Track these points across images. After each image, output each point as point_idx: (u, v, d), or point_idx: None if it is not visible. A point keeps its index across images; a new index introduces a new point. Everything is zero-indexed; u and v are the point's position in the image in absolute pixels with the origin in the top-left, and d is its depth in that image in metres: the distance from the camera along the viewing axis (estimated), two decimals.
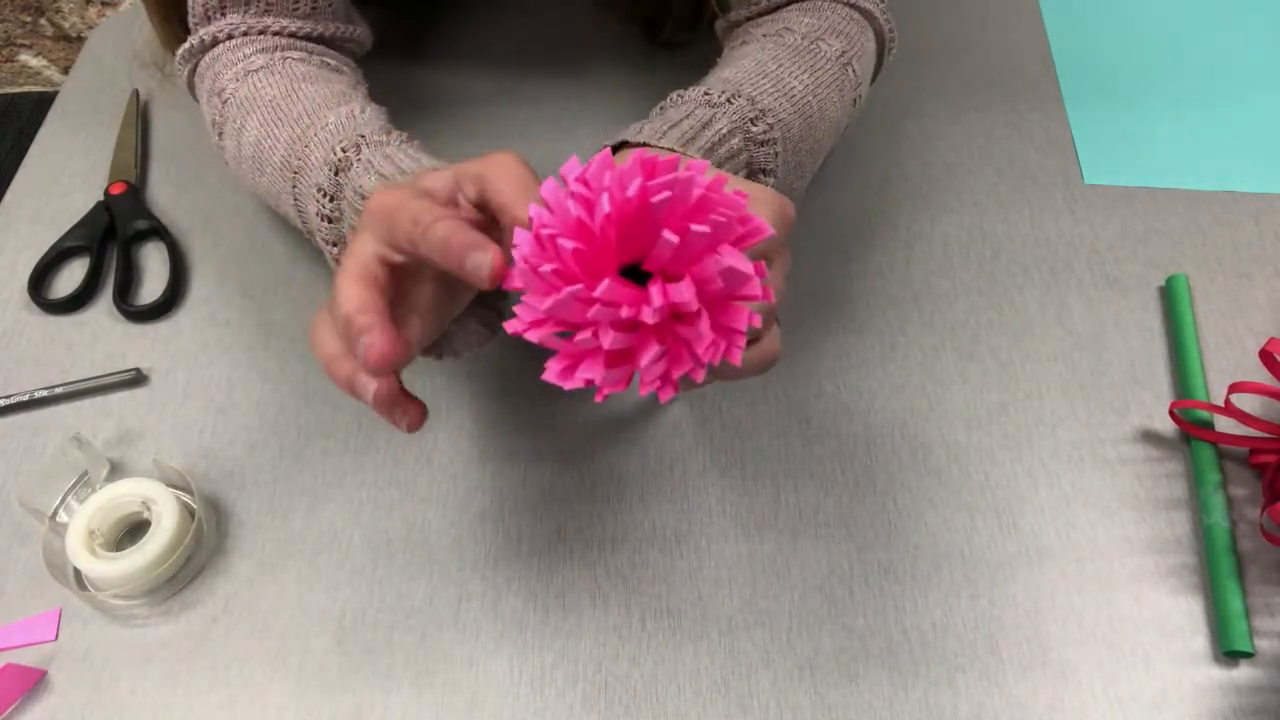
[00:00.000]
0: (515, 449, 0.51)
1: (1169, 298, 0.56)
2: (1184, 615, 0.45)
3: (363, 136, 0.46)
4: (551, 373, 0.32)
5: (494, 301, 0.45)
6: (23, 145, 0.72)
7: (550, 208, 0.31)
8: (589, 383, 0.31)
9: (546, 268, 0.30)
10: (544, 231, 0.30)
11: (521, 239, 0.31)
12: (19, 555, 0.49)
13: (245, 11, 0.54)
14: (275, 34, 0.54)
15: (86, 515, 0.47)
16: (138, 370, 0.54)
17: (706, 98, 0.47)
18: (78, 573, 0.47)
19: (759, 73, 0.49)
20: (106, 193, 0.63)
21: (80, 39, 1.59)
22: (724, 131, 0.45)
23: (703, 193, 0.30)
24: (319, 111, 0.48)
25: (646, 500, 0.49)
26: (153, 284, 0.59)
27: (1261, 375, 0.50)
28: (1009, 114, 0.67)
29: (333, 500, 0.50)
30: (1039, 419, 0.52)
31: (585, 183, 0.31)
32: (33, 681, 0.44)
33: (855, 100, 0.54)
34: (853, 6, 0.55)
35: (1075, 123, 0.66)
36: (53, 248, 0.60)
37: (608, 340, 0.30)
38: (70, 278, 0.60)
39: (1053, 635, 0.45)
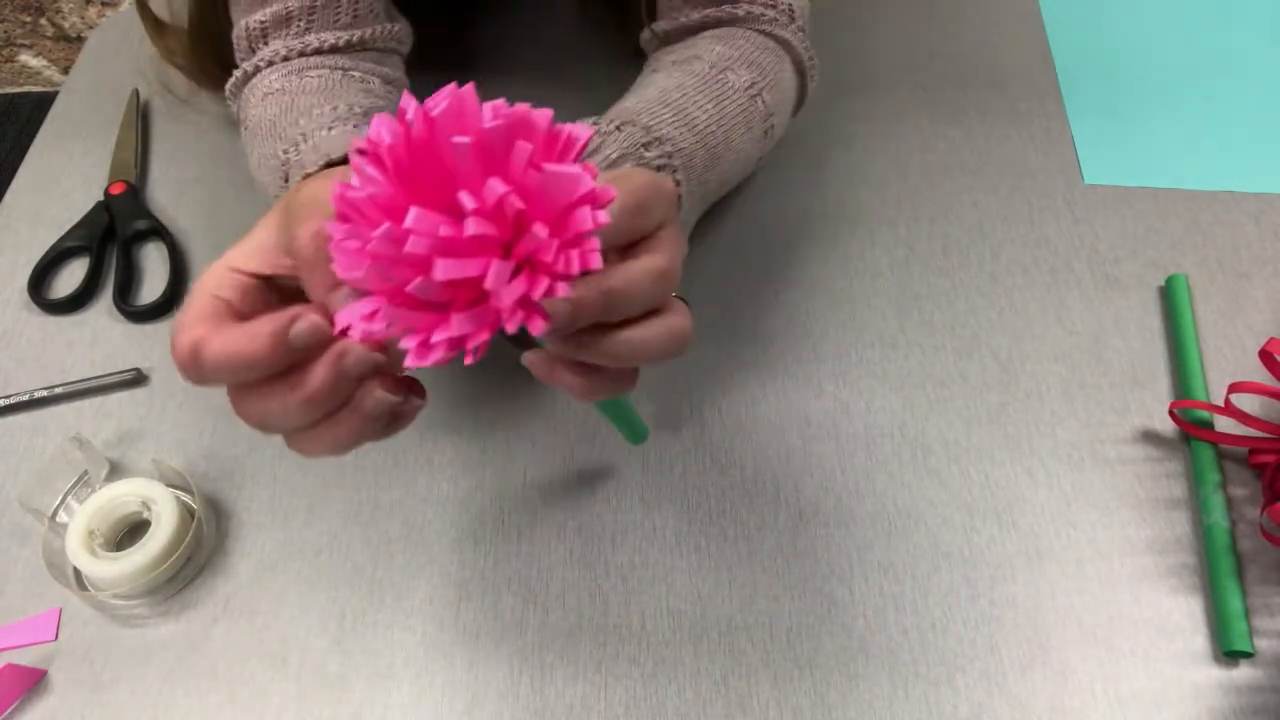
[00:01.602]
0: (515, 449, 0.51)
1: (1169, 298, 0.56)
2: (1184, 615, 0.45)
3: (305, 134, 0.45)
4: (410, 355, 0.28)
5: None
6: (23, 145, 0.72)
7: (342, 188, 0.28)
8: (452, 345, 0.27)
9: (350, 239, 0.27)
10: (341, 199, 0.28)
11: (330, 232, 0.28)
12: (19, 555, 0.49)
13: (287, 34, 0.53)
14: (316, 51, 0.53)
15: (86, 515, 0.47)
16: (138, 370, 0.54)
17: (595, 126, 0.46)
18: (78, 573, 0.47)
19: (660, 101, 0.48)
20: (106, 193, 0.63)
21: (80, 39, 1.59)
22: (613, 157, 0.44)
23: (502, 122, 0.27)
24: (299, 119, 0.48)
25: (646, 500, 0.49)
26: (153, 284, 0.59)
27: (1261, 375, 0.50)
28: (1009, 114, 0.67)
29: (333, 500, 0.50)
30: (1039, 419, 0.52)
31: (368, 140, 0.27)
32: (33, 681, 0.44)
33: (767, 132, 0.53)
34: (769, 35, 0.54)
35: (1075, 123, 0.66)
36: (53, 248, 0.60)
37: (441, 270, 0.26)
38: (70, 278, 0.60)
39: (1053, 635, 0.45)
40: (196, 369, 0.31)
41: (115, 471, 0.51)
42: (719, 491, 0.50)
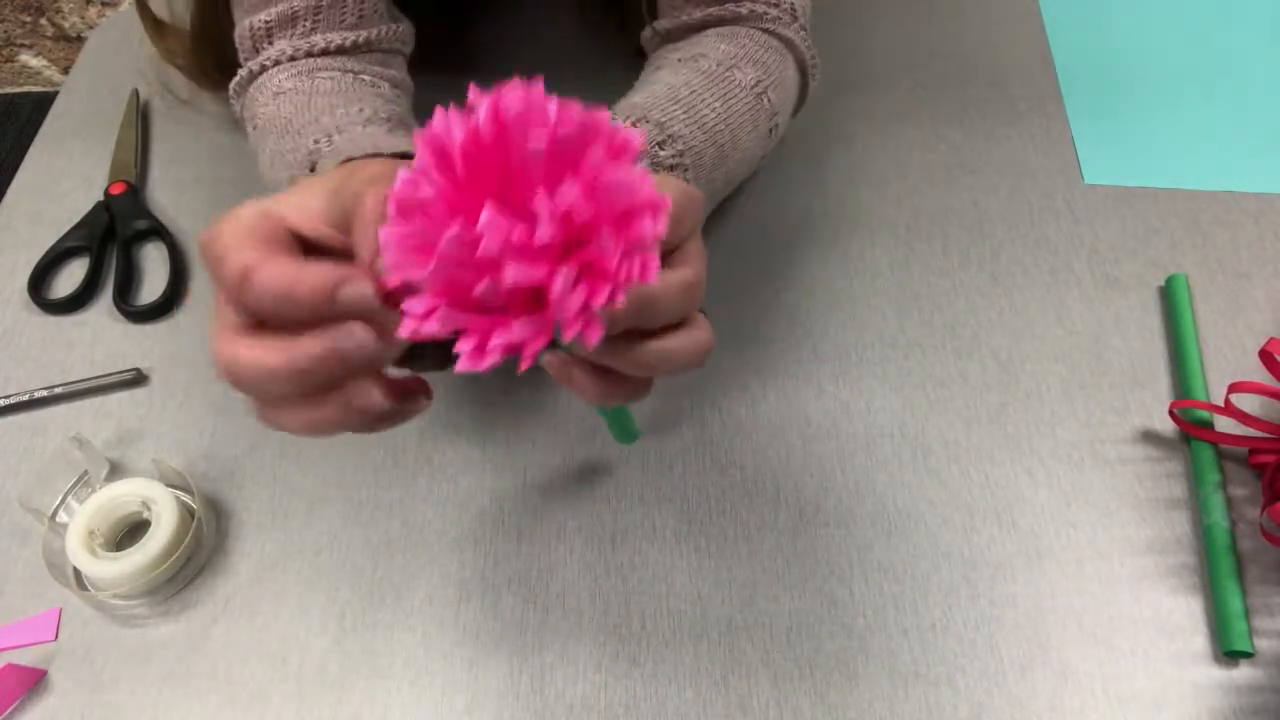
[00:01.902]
0: (515, 449, 0.51)
1: (1169, 298, 0.56)
2: (1184, 615, 0.45)
3: (338, 127, 0.45)
4: (465, 359, 0.27)
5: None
6: (23, 145, 0.72)
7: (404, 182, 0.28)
8: (509, 349, 0.27)
9: (414, 230, 0.26)
10: (403, 196, 0.27)
11: (385, 230, 0.27)
12: (19, 555, 0.49)
13: (292, 34, 0.53)
14: (323, 51, 0.53)
15: (86, 515, 0.47)
16: (138, 370, 0.54)
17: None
18: (78, 573, 0.47)
19: (670, 98, 0.47)
20: (106, 193, 0.63)
21: (80, 39, 1.59)
22: None
23: (577, 123, 0.26)
24: (320, 117, 0.48)
25: (646, 500, 0.49)
26: (153, 284, 0.59)
27: (1261, 375, 0.50)
28: (1009, 114, 0.67)
29: (333, 500, 0.50)
30: (1039, 419, 0.52)
31: (433, 136, 0.27)
32: (33, 681, 0.44)
33: (771, 130, 0.53)
34: (772, 34, 0.54)
35: (1075, 123, 0.66)
36: (53, 248, 0.60)
37: (512, 275, 0.25)
38: (70, 278, 0.60)
39: (1053, 635, 0.45)
40: (239, 292, 0.29)
41: (115, 471, 0.51)
42: (719, 491, 0.50)
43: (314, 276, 0.29)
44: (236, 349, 0.29)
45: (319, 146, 0.44)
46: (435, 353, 0.41)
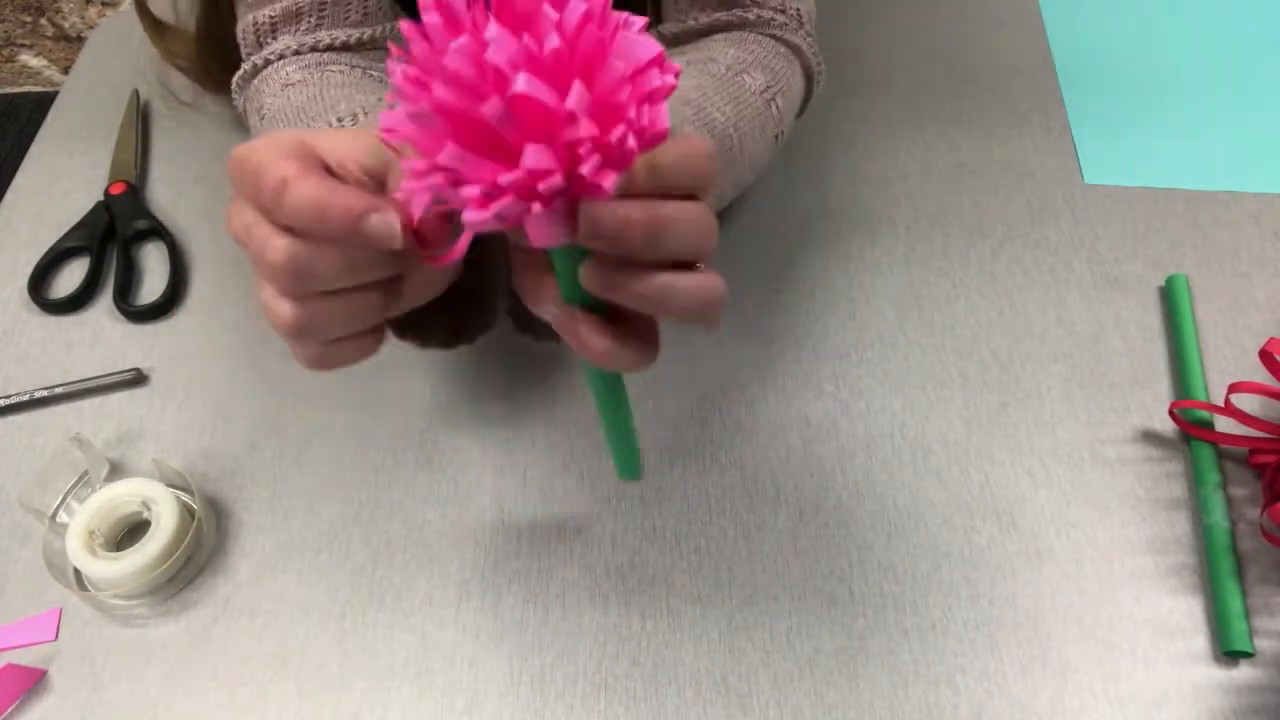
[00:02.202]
0: (515, 448, 0.51)
1: (1169, 298, 0.56)
2: (1184, 615, 0.45)
3: (363, 108, 0.45)
4: (473, 206, 0.25)
5: (466, 307, 0.42)
6: (23, 145, 0.72)
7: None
8: (521, 189, 0.25)
9: (420, 60, 0.25)
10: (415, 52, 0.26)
11: (393, 67, 0.26)
12: (19, 555, 0.49)
13: (296, 29, 0.53)
14: (327, 48, 0.53)
15: (86, 515, 0.47)
16: (138, 370, 0.54)
17: None
18: (78, 573, 0.47)
19: (680, 100, 0.47)
20: (106, 193, 0.63)
21: (80, 39, 1.59)
22: None
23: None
24: (336, 105, 0.48)
25: (646, 500, 0.49)
26: (153, 284, 0.59)
27: (1261, 375, 0.50)
28: (1009, 114, 0.67)
29: (333, 500, 0.50)
30: (1039, 419, 0.52)
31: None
32: (33, 681, 0.44)
33: (777, 137, 0.52)
34: (780, 40, 0.54)
35: (1075, 123, 0.66)
36: (53, 248, 0.60)
37: (522, 83, 0.24)
38: (70, 278, 0.60)
39: (1053, 635, 0.45)
40: (275, 201, 0.29)
41: (115, 471, 0.51)
42: (719, 491, 0.50)
43: (346, 197, 0.29)
44: (246, 216, 0.31)
45: (343, 125, 0.44)
46: (440, 329, 0.41)
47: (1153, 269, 0.58)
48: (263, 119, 0.51)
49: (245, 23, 0.53)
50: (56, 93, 0.72)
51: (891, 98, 0.68)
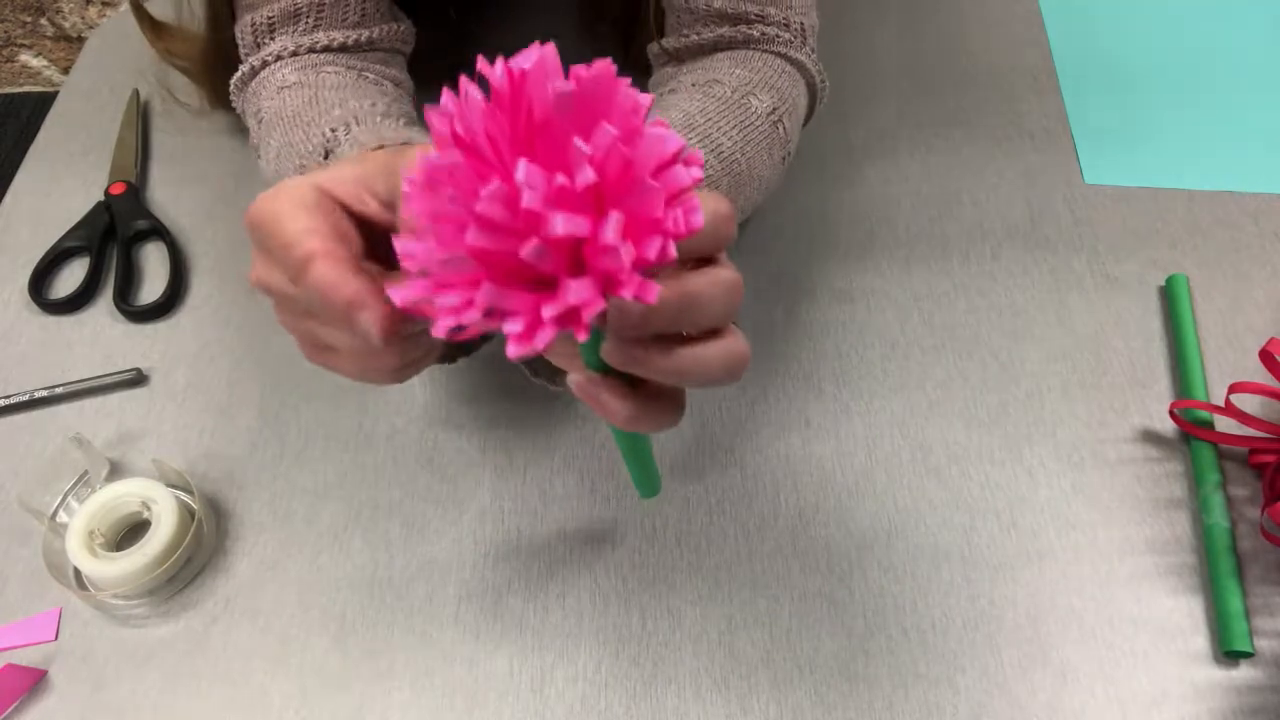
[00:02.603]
0: (515, 448, 0.51)
1: (1169, 298, 0.56)
2: (1184, 615, 0.45)
3: (355, 117, 0.45)
4: (514, 341, 0.25)
5: None
6: (23, 145, 0.72)
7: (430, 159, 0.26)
8: (563, 320, 0.25)
9: (445, 199, 0.25)
10: (430, 167, 0.25)
11: (415, 205, 0.26)
12: (19, 555, 0.49)
13: (294, 30, 0.53)
14: (325, 49, 0.53)
15: (86, 515, 0.47)
16: (138, 370, 0.54)
17: None
18: (78, 573, 0.47)
19: (685, 125, 0.47)
20: (106, 193, 0.63)
21: (80, 39, 1.59)
22: None
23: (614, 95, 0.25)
24: (331, 109, 0.48)
25: (646, 500, 0.49)
26: (153, 284, 0.59)
27: (1261, 375, 0.50)
28: (1009, 114, 0.67)
29: (333, 500, 0.50)
30: (1039, 419, 0.52)
31: (447, 108, 0.25)
32: (33, 681, 0.44)
33: (784, 158, 0.52)
34: (784, 58, 0.53)
35: (1075, 122, 0.66)
36: (53, 248, 0.60)
37: (560, 224, 0.23)
38: (70, 278, 0.60)
39: (1053, 635, 0.45)
40: (298, 277, 0.30)
41: (115, 471, 0.51)
42: (719, 491, 0.50)
43: (354, 291, 0.30)
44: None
45: (335, 135, 0.44)
46: (440, 345, 0.41)
47: (1153, 269, 0.58)
48: (260, 122, 0.51)
49: (244, 23, 0.53)
50: (56, 93, 0.72)
51: (891, 97, 0.68)
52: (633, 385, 0.30)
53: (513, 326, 0.25)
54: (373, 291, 0.30)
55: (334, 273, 0.30)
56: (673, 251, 0.25)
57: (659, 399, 0.31)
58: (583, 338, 0.25)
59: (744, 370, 0.31)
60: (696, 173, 0.26)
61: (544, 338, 0.25)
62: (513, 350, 0.25)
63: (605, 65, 0.25)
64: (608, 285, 0.25)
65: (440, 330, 0.26)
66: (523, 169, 0.24)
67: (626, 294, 0.25)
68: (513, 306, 0.25)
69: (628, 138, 0.25)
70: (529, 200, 0.23)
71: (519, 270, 0.25)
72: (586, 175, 0.24)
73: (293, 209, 0.31)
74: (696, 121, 0.47)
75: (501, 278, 0.25)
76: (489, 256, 0.25)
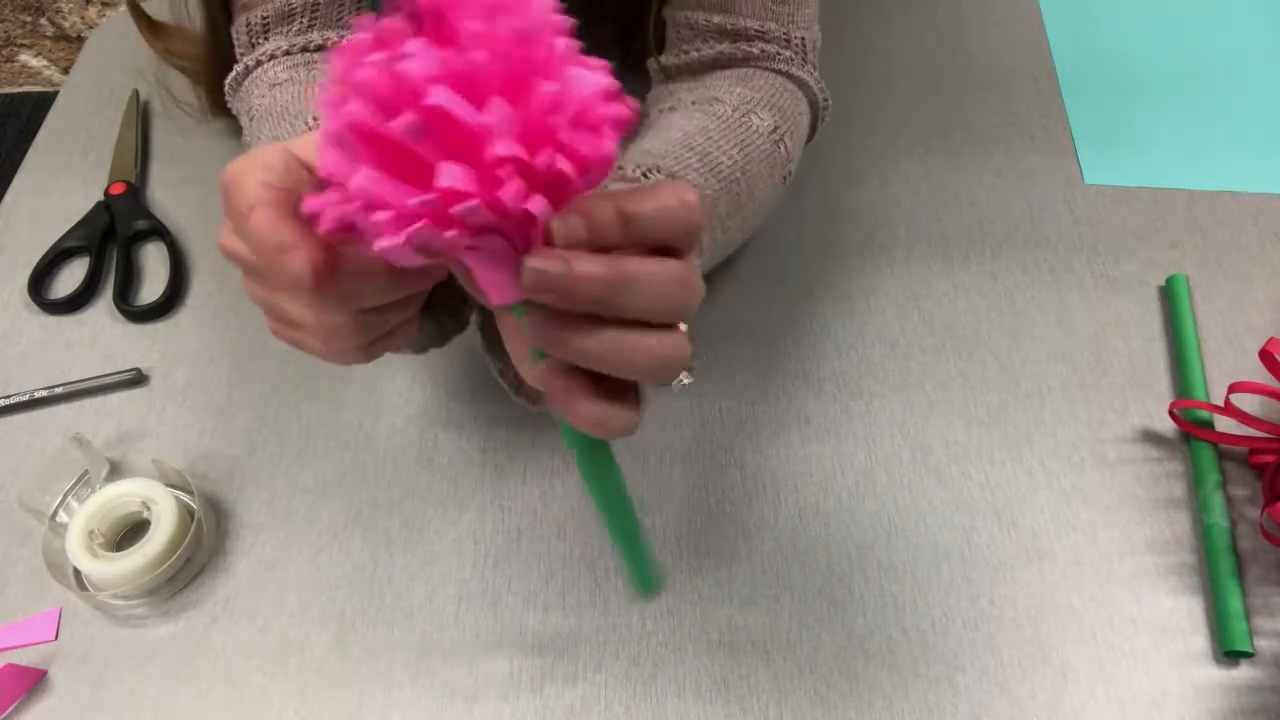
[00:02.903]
0: (515, 448, 0.51)
1: (1169, 298, 0.56)
2: (1184, 615, 0.45)
3: None
4: (385, 230, 0.23)
5: (448, 302, 0.41)
6: (23, 145, 0.72)
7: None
8: (437, 211, 0.23)
9: (341, 74, 0.23)
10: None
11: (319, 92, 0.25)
12: (19, 555, 0.49)
13: (289, 30, 0.53)
14: (318, 48, 0.53)
15: (86, 515, 0.47)
16: (138, 370, 0.54)
17: (620, 172, 0.42)
18: (78, 573, 0.47)
19: (684, 145, 0.46)
20: (106, 193, 0.63)
21: (80, 39, 1.58)
22: None
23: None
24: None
25: (646, 500, 0.49)
26: (153, 284, 0.59)
27: (1261, 375, 0.50)
28: (1009, 114, 0.67)
29: (333, 500, 0.50)
30: (1039, 419, 0.52)
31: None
32: (33, 681, 0.44)
33: (785, 178, 0.51)
34: (786, 76, 0.52)
35: (1075, 123, 0.66)
36: (53, 248, 0.60)
37: (439, 96, 0.22)
38: (70, 278, 0.60)
39: (1053, 635, 0.45)
40: (241, 229, 0.30)
41: (115, 471, 0.51)
42: (719, 491, 0.50)
43: (277, 234, 0.28)
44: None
45: (319, 123, 0.44)
46: (432, 325, 0.40)
47: (1153, 269, 0.58)
48: (251, 119, 0.51)
49: (239, 23, 0.54)
50: (56, 93, 0.72)
51: (891, 98, 0.68)
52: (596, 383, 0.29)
53: (381, 215, 0.23)
54: (304, 235, 0.28)
55: (267, 217, 0.29)
56: (565, 167, 0.23)
57: (609, 395, 0.29)
58: (452, 235, 0.23)
59: (676, 373, 0.29)
60: (623, 110, 0.24)
61: (412, 230, 0.23)
62: (380, 244, 0.23)
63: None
64: (488, 183, 0.23)
65: (324, 223, 0.25)
66: (413, 43, 0.23)
67: (504, 193, 0.23)
68: (387, 196, 0.23)
69: (534, 44, 0.23)
70: (407, 66, 0.22)
71: (407, 165, 0.23)
72: (475, 56, 0.22)
73: (256, 170, 0.30)
74: (696, 141, 0.46)
75: (388, 169, 0.24)
76: (369, 136, 0.23)
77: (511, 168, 0.23)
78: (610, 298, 0.26)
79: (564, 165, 0.23)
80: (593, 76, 0.24)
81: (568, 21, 0.25)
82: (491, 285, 0.26)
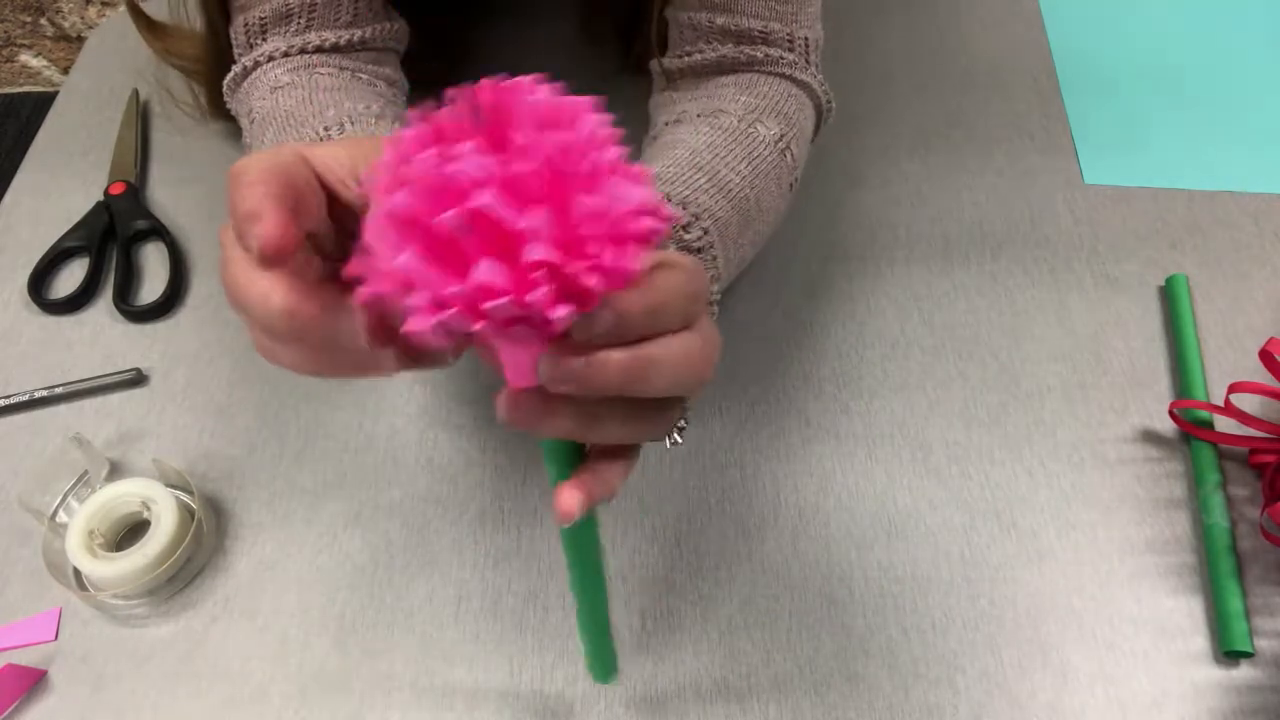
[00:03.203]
0: (515, 449, 0.51)
1: (1169, 298, 0.56)
2: (1184, 615, 0.45)
3: (349, 118, 0.45)
4: (418, 314, 0.24)
5: None
6: (23, 145, 0.72)
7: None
8: (468, 304, 0.24)
9: (395, 163, 0.24)
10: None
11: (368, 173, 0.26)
12: (19, 555, 0.49)
13: (287, 30, 0.53)
14: (317, 49, 0.53)
15: (86, 515, 0.47)
16: (138, 370, 0.54)
17: None
18: (78, 573, 0.47)
19: (692, 165, 0.45)
20: (106, 193, 0.63)
21: (80, 39, 1.58)
22: None
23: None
24: (325, 110, 0.47)
25: (646, 500, 0.49)
26: (153, 284, 0.59)
27: (1261, 375, 0.50)
28: (1009, 114, 0.67)
29: (333, 500, 0.50)
30: (1039, 419, 0.52)
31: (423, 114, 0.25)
32: (33, 681, 0.44)
33: (792, 185, 0.51)
34: (790, 80, 0.52)
35: (1075, 123, 0.66)
36: (53, 248, 0.60)
37: (484, 198, 0.23)
38: (70, 278, 0.60)
39: (1053, 635, 0.45)
40: (248, 244, 0.29)
41: (115, 471, 0.51)
42: (719, 491, 0.50)
43: (249, 203, 0.28)
44: (251, 278, 0.30)
45: (329, 135, 0.44)
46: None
47: (1153, 269, 0.58)
48: (252, 122, 0.51)
49: (237, 24, 0.53)
50: (56, 93, 0.72)
51: (891, 98, 0.68)
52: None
53: (417, 299, 0.24)
54: (274, 208, 0.28)
55: (253, 188, 0.29)
56: (593, 282, 0.24)
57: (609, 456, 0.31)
58: (478, 325, 0.24)
59: (669, 433, 0.30)
60: (659, 225, 0.25)
61: (442, 317, 0.24)
62: (410, 324, 0.24)
63: (583, 102, 0.25)
64: (522, 285, 0.24)
65: (360, 295, 0.25)
66: (466, 146, 0.24)
67: (531, 297, 0.24)
68: (425, 281, 0.24)
69: (584, 155, 0.25)
70: (458, 168, 0.23)
71: (449, 256, 0.24)
72: (523, 165, 0.24)
73: (264, 164, 0.30)
74: (702, 159, 0.46)
75: (430, 256, 0.24)
76: (414, 226, 0.24)
77: (545, 272, 0.24)
78: (628, 385, 0.27)
79: (591, 280, 0.25)
80: (633, 190, 0.25)
81: (617, 134, 0.26)
82: (512, 368, 0.27)
